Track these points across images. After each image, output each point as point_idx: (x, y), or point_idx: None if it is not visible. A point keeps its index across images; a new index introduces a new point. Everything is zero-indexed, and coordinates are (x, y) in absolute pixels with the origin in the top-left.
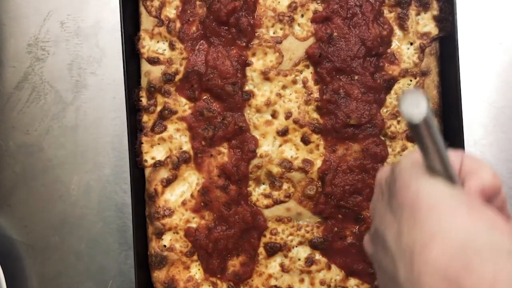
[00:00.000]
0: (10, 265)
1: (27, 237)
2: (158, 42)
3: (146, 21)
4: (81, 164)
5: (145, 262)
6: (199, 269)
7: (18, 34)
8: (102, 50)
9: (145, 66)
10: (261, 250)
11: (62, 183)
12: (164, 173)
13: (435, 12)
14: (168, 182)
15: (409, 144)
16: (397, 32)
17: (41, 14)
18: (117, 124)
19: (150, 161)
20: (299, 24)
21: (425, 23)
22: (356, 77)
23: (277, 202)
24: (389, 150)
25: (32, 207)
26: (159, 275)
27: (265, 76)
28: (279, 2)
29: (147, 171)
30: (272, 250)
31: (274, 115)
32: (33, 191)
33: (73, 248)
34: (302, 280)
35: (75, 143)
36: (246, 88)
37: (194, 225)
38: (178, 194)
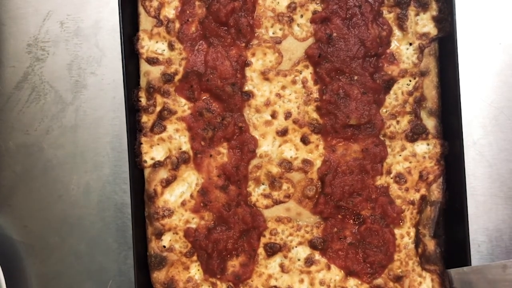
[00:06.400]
0: (10, 265)
1: (27, 237)
2: (157, 42)
3: (145, 22)
4: (81, 164)
5: (144, 263)
6: (198, 270)
7: (17, 34)
8: (102, 50)
9: (144, 66)
10: (260, 250)
11: (62, 183)
12: (163, 174)
13: (434, 13)
14: (167, 183)
15: (408, 144)
16: (396, 32)
17: (40, 14)
18: (116, 124)
19: (149, 162)
20: (298, 25)
21: (424, 23)
22: (355, 78)
23: (276, 203)
24: (389, 150)
25: (32, 207)
26: (158, 275)
27: (265, 76)
28: (278, 3)
29: (147, 172)
30: (272, 251)
31: (273, 115)
32: (33, 191)
33: (73, 248)
34: (301, 281)
35: (74, 143)
36: (246, 88)
37: (193, 225)
38: (178, 195)
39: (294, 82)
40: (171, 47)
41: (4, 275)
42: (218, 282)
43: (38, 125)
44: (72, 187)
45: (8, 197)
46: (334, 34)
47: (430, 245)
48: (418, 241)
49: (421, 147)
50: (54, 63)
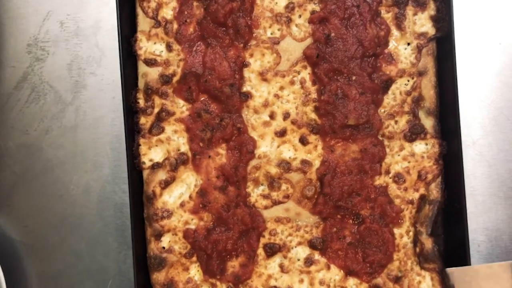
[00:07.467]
0: (10, 265)
1: (27, 237)
2: (155, 43)
3: (143, 23)
4: (81, 164)
5: (144, 264)
6: (198, 271)
7: (17, 34)
8: (102, 50)
9: (142, 68)
10: (260, 251)
11: (61, 183)
12: (162, 175)
13: (432, 12)
14: (166, 184)
15: (406, 144)
16: (395, 32)
17: (40, 14)
18: (116, 124)
19: (148, 163)
20: (296, 25)
21: (422, 23)
22: (353, 78)
23: (276, 203)
24: (387, 150)
25: (32, 207)
26: (158, 277)
27: (263, 77)
28: (276, 3)
29: (145, 173)
30: (271, 251)
31: (272, 116)
32: (33, 191)
33: (72, 248)
34: (301, 281)
35: (74, 143)
36: (244, 89)
37: (193, 226)
38: (177, 196)
39: (292, 82)
40: (169, 48)
41: (4, 275)
42: (218, 283)
43: (38, 125)
44: (72, 187)
45: (8, 197)
46: (332, 34)
47: (428, 243)
48: (416, 240)
49: (419, 146)
50: (54, 63)
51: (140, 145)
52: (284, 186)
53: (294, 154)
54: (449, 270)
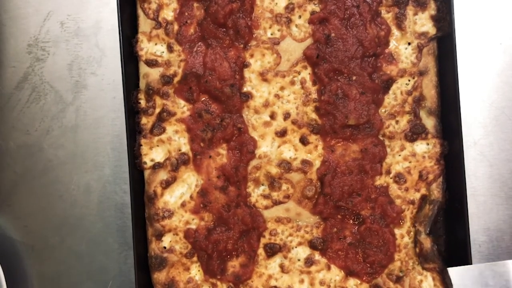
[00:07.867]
0: (10, 265)
1: (27, 237)
2: (156, 44)
3: (144, 24)
4: (81, 164)
5: (145, 264)
6: (199, 270)
7: (18, 34)
8: (102, 50)
9: (143, 68)
10: (260, 251)
11: (62, 183)
12: (163, 175)
13: (433, 12)
14: (167, 184)
15: (407, 144)
16: (395, 32)
17: (41, 14)
18: (117, 124)
19: (149, 163)
20: (296, 25)
21: (422, 22)
22: (354, 78)
23: (276, 203)
24: (388, 150)
25: (32, 207)
26: (159, 276)
27: (263, 77)
28: (276, 4)
29: (146, 173)
30: (272, 251)
31: (272, 116)
32: (33, 191)
33: (73, 248)
34: (302, 281)
35: (75, 143)
36: (244, 89)
37: (193, 226)
38: (178, 196)
39: (292, 83)
40: (170, 49)
41: (4, 275)
42: (219, 283)
43: (39, 125)
44: (73, 187)
45: (8, 197)
46: (332, 35)
47: (426, 243)
48: (415, 240)
49: (420, 146)
50: (55, 63)
51: (141, 145)
52: (284, 186)
53: (294, 154)
54: (450, 269)
